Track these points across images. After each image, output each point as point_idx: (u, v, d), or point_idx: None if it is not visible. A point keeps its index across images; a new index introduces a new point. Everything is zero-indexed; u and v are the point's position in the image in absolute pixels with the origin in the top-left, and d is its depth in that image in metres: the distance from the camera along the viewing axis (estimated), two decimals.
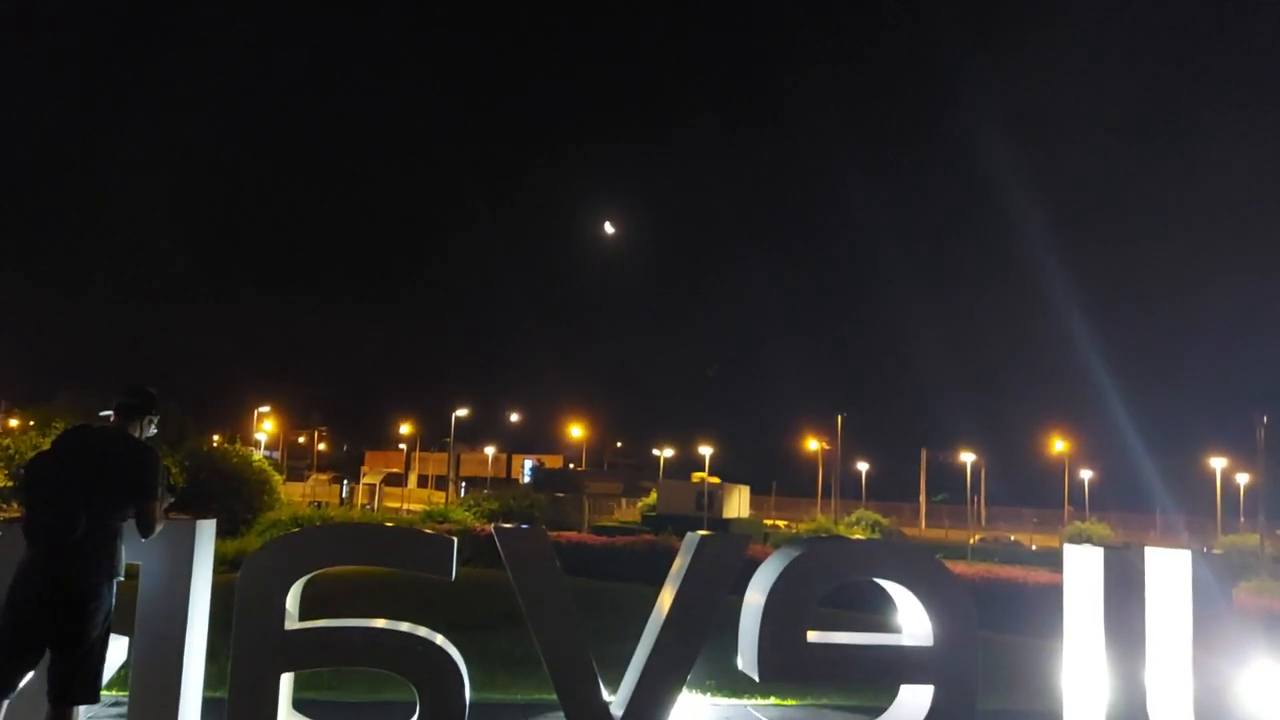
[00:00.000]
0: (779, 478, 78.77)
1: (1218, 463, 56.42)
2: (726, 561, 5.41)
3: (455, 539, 5.47)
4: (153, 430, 4.98)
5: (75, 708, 4.48)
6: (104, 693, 4.64)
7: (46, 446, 4.73)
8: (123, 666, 5.07)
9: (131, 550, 4.71)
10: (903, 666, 5.42)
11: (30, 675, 4.48)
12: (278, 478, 29.08)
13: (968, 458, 69.80)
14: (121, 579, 4.62)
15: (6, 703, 4.41)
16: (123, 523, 4.60)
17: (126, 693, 5.01)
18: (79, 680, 4.46)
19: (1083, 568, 5.52)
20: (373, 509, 49.29)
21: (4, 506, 24.93)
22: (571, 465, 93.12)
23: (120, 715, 5.78)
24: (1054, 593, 5.81)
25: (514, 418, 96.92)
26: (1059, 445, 66.16)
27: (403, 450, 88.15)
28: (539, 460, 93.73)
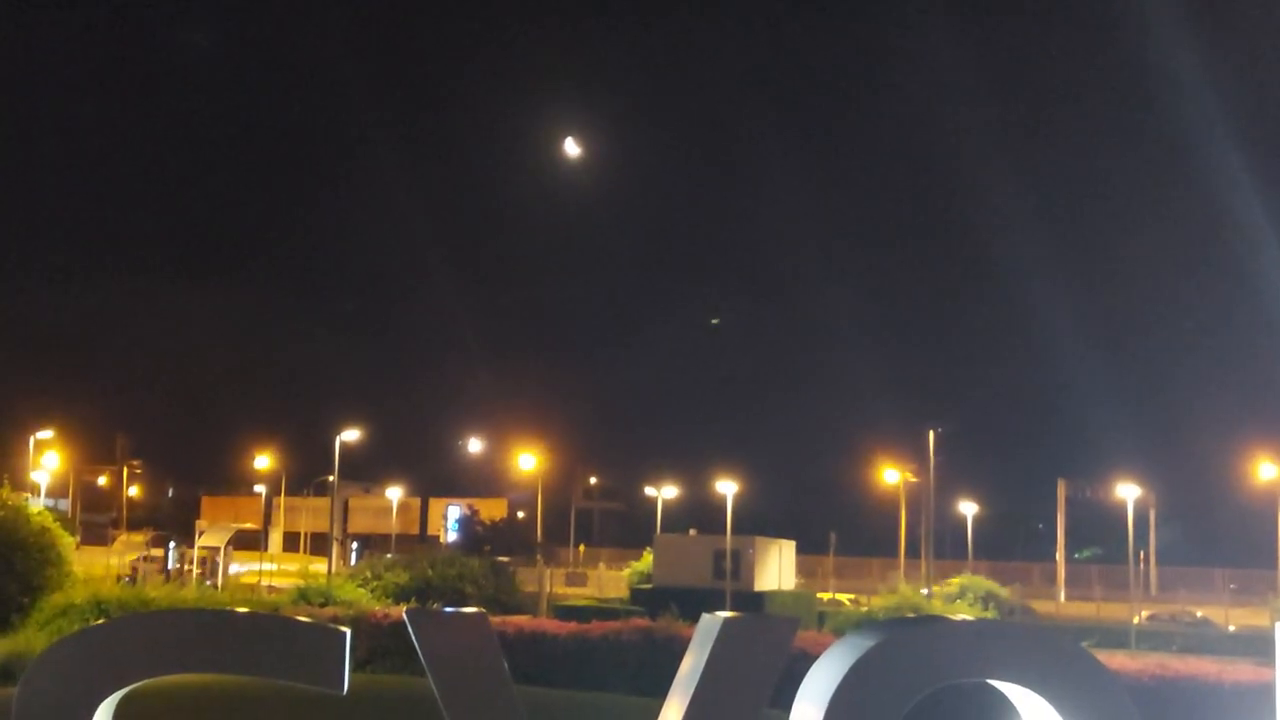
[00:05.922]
0: (839, 528, 79.32)
1: None
2: (763, 658, 5.47)
3: (347, 630, 5.50)
4: None
5: None
6: None
7: None
8: None
9: None
10: None
11: None
12: (68, 539, 29.13)
13: (1129, 493, 69.68)
14: None
15: None
16: None
17: None
18: None
19: None
20: (216, 586, 49.34)
21: None
22: (520, 514, 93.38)
23: None
24: (1262, 694, 5.88)
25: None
26: (1267, 473, 66.37)
27: (260, 494, 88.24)
28: (469, 507, 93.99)
